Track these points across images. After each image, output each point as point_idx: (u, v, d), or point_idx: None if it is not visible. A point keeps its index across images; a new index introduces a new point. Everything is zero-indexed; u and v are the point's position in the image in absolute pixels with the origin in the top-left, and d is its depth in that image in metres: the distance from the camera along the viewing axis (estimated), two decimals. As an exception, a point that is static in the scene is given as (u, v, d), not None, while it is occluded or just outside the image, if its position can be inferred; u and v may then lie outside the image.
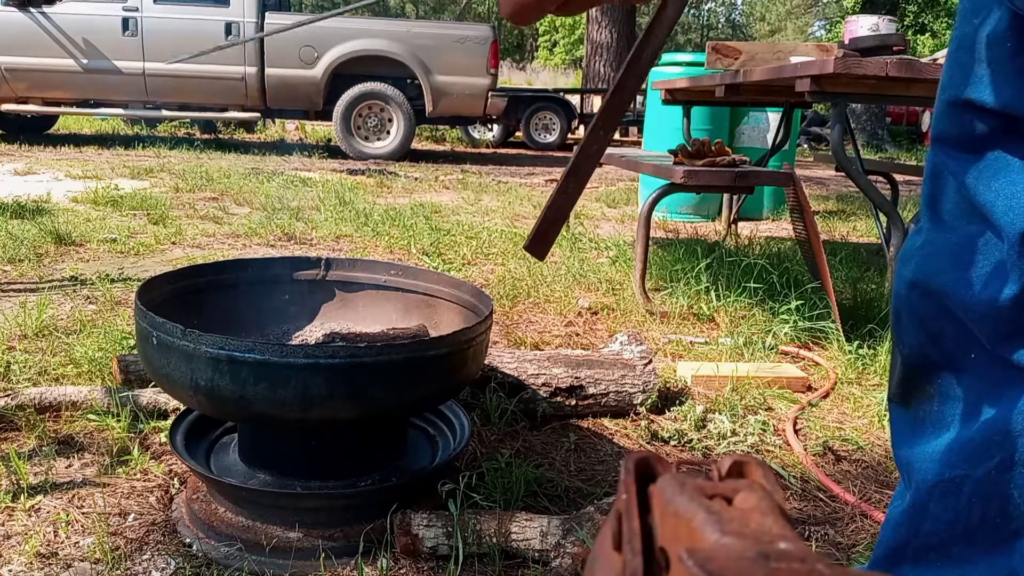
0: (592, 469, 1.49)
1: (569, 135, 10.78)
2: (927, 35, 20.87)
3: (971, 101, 0.65)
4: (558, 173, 7.40)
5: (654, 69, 4.87)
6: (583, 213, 4.70)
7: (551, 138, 10.40)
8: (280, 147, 8.14)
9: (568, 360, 1.72)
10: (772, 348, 2.22)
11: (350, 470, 1.24)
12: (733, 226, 4.00)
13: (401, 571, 1.12)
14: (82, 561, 1.10)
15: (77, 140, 7.64)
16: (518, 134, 10.73)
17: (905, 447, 0.76)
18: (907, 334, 0.74)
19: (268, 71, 7.09)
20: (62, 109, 7.23)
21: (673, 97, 3.79)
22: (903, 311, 0.74)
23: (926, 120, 16.29)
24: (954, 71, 0.67)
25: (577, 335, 2.29)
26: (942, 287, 0.68)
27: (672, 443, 1.61)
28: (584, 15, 11.30)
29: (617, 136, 11.34)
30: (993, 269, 0.64)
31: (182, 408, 1.42)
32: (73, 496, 1.28)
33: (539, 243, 0.59)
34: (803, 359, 2.20)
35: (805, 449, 1.61)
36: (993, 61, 0.63)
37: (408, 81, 7.43)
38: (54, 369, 1.79)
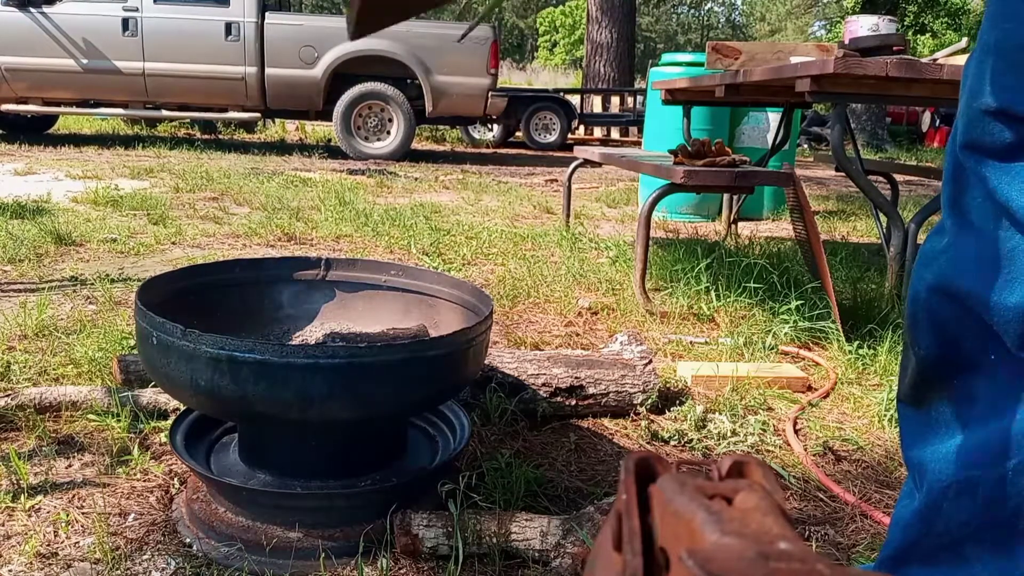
0: (592, 469, 1.49)
1: (569, 135, 10.78)
2: (927, 35, 20.87)
3: (1004, 110, 0.63)
4: (558, 173, 7.35)
5: (654, 69, 4.87)
6: (583, 213, 4.70)
7: (551, 138, 10.40)
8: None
9: (568, 360, 1.72)
10: (772, 348, 2.22)
11: (350, 470, 1.24)
12: (733, 226, 4.00)
13: (401, 571, 1.12)
14: (82, 561, 1.10)
15: (77, 140, 7.64)
16: (518, 134, 10.73)
17: (916, 448, 0.76)
18: (924, 336, 0.73)
19: (268, 71, 7.09)
20: (62, 109, 7.22)
21: (673, 97, 3.79)
22: (921, 313, 0.73)
23: (926, 120, 16.28)
24: (983, 77, 0.66)
25: (577, 335, 2.28)
26: (967, 290, 0.68)
27: (672, 443, 1.61)
28: (584, 15, 11.26)
29: (617, 136, 11.36)
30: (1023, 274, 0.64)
31: (182, 408, 1.42)
32: (73, 496, 1.27)
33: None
34: (803, 359, 2.20)
35: (805, 449, 1.61)
36: None
37: (408, 81, 7.42)
38: (54, 369, 1.79)
